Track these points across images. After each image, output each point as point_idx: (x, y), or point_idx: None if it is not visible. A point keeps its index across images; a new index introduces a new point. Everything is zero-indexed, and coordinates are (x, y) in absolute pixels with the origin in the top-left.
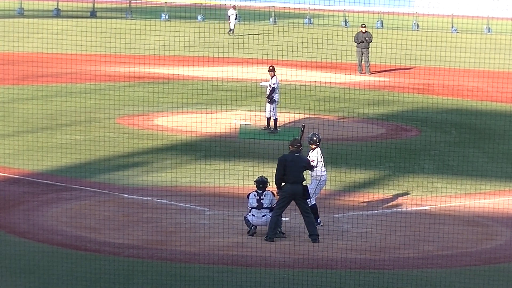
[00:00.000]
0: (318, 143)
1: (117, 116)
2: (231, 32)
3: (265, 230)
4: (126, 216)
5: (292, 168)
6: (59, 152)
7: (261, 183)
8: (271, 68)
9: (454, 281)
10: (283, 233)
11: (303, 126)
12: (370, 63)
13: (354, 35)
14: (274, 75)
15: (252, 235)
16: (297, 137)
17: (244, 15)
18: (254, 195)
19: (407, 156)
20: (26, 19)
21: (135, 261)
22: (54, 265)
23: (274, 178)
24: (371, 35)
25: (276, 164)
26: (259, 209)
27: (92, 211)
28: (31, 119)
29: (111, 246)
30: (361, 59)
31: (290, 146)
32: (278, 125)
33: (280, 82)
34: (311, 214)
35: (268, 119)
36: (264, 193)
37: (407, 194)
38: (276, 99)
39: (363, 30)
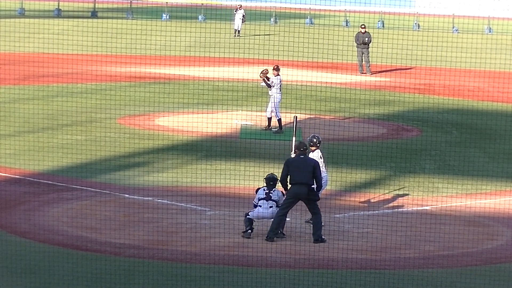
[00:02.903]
0: (318, 145)
1: (118, 116)
2: (236, 33)
3: (266, 230)
4: (127, 216)
5: (295, 170)
6: (60, 152)
7: (272, 180)
8: (275, 67)
9: (455, 281)
10: (284, 234)
11: (296, 118)
12: (370, 63)
13: (354, 35)
14: (278, 74)
15: (247, 238)
16: (301, 140)
17: (245, 15)
18: (264, 189)
19: (408, 156)
20: (27, 19)
21: (136, 261)
22: (55, 265)
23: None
24: (371, 36)
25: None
26: (267, 200)
27: (93, 211)
28: (32, 119)
29: (112, 246)
30: (362, 59)
31: (296, 150)
32: (275, 124)
33: (281, 82)
34: (317, 215)
35: (269, 119)
36: (273, 189)
37: (407, 194)
38: (278, 99)
39: (363, 30)
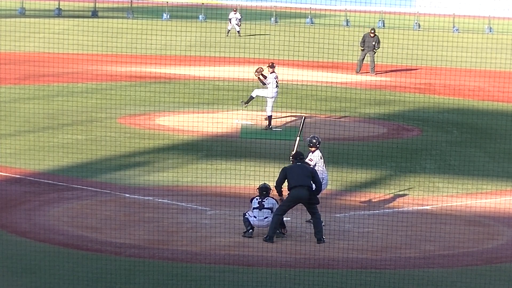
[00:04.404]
0: (317, 146)
1: (119, 115)
2: (229, 33)
3: (266, 230)
4: (127, 216)
5: (294, 175)
6: (61, 152)
7: (264, 190)
8: (270, 64)
9: (455, 281)
10: (283, 234)
11: (304, 118)
12: (375, 63)
13: (355, 34)
14: (273, 71)
15: (248, 237)
16: (299, 151)
17: (246, 15)
18: (257, 199)
19: (409, 156)
20: (27, 18)
21: (136, 261)
22: (55, 265)
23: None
24: (379, 39)
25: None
26: (260, 210)
27: (94, 210)
28: (32, 119)
29: (113, 245)
30: (363, 59)
31: (292, 160)
32: (279, 124)
33: (277, 79)
34: (317, 216)
35: (269, 117)
36: (266, 198)
37: (408, 193)
38: (274, 96)
39: (372, 34)
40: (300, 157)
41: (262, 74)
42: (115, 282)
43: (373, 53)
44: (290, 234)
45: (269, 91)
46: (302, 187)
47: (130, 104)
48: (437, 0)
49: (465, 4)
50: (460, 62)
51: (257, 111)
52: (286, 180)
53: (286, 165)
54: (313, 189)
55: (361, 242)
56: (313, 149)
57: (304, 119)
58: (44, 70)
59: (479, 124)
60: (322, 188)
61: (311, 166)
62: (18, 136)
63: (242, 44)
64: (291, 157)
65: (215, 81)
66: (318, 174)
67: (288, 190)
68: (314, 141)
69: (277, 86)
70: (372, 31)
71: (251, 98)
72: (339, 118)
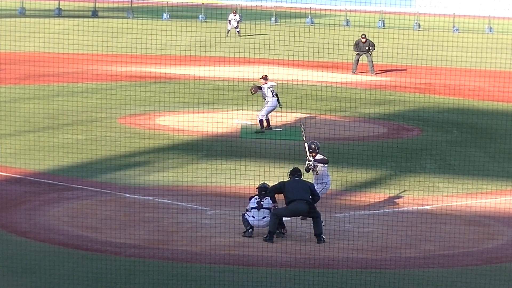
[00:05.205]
0: (317, 151)
1: (119, 115)
2: (229, 33)
3: (266, 230)
4: (127, 216)
5: (293, 189)
6: (61, 152)
7: (264, 189)
8: (263, 76)
9: (455, 281)
10: (283, 233)
11: (302, 125)
12: (373, 62)
13: (355, 34)
14: (266, 83)
15: (248, 237)
16: (296, 166)
17: (246, 14)
18: (255, 198)
19: (409, 156)
20: (27, 18)
21: (136, 261)
22: (55, 264)
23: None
24: (372, 43)
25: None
26: (258, 210)
27: (94, 210)
28: (32, 119)
29: (113, 245)
30: (358, 60)
31: (290, 176)
32: (275, 124)
33: (272, 87)
34: (318, 218)
35: (267, 120)
36: (265, 198)
37: (408, 193)
38: (273, 105)
39: (363, 40)
40: (298, 173)
41: (254, 89)
42: (115, 282)
43: (370, 54)
44: (290, 234)
45: (269, 104)
46: (301, 201)
47: (130, 104)
48: (437, 0)
49: (465, 4)
50: (460, 62)
51: (257, 111)
52: (283, 194)
53: (284, 180)
54: (312, 202)
55: (361, 242)
56: (313, 154)
57: (303, 126)
58: (44, 70)
59: (479, 124)
60: (324, 191)
61: (328, 162)
62: (18, 136)
63: (242, 44)
64: (289, 175)
65: (215, 81)
66: (322, 177)
67: (286, 204)
68: (313, 146)
69: (273, 95)
70: (363, 36)
71: (262, 121)
72: (339, 118)
